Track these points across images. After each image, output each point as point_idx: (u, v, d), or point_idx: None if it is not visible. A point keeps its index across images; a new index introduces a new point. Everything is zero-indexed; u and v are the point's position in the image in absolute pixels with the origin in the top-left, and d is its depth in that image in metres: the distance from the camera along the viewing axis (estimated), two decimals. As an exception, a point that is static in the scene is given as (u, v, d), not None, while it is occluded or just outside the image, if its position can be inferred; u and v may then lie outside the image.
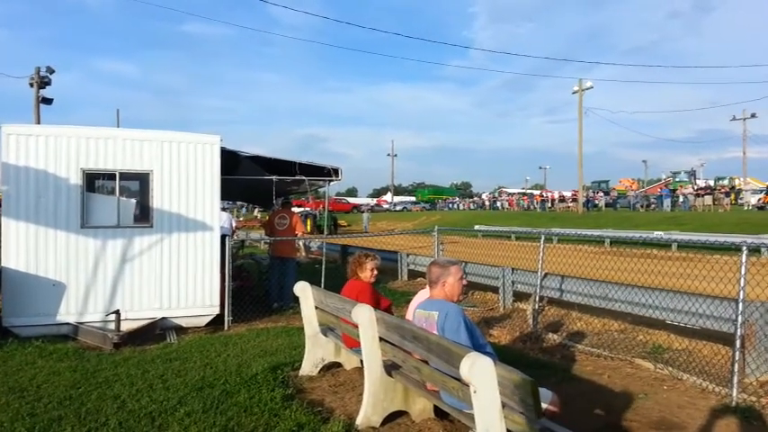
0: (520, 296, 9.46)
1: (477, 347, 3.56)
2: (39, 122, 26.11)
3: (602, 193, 51.78)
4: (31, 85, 29.54)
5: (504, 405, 3.01)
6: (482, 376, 2.93)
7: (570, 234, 12.10)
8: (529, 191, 74.98)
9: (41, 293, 7.55)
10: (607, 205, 47.45)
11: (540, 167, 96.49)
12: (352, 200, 77.25)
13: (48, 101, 30.06)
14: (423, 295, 4.91)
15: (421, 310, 4.08)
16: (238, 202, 37.14)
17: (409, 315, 4.77)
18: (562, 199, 54.65)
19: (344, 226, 44.63)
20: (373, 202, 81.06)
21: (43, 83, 29.77)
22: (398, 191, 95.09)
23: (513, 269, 9.42)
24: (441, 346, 3.42)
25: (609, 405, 4.97)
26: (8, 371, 5.87)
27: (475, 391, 2.96)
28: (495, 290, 9.94)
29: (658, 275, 8.22)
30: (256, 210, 42.87)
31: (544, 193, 60.93)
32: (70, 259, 7.71)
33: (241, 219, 40.84)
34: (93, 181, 8.07)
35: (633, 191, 55.24)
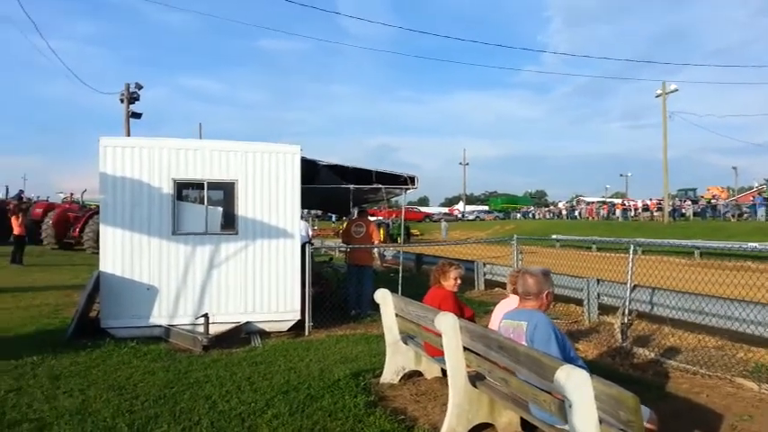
0: (605, 309, 9.10)
1: (568, 360, 3.44)
2: (128, 136, 27.69)
3: (689, 202, 49.11)
4: (122, 100, 31.45)
5: (600, 420, 2.90)
6: (578, 389, 2.83)
7: (661, 244, 11.52)
8: (609, 199, 72.15)
9: (136, 297, 7.97)
10: (695, 214, 44.93)
11: (622, 175, 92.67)
12: (423, 209, 77.09)
13: (137, 115, 31.91)
14: (506, 305, 4.83)
15: (508, 320, 4.00)
16: (312, 212, 37.88)
17: (493, 325, 4.70)
18: (646, 208, 52.25)
19: (417, 235, 44.63)
20: (445, 211, 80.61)
21: (132, 98, 31.64)
22: (470, 200, 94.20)
23: (598, 280, 9.07)
24: (530, 357, 3.33)
25: (709, 426, 4.68)
26: (107, 369, 6.23)
27: (570, 406, 2.86)
28: (578, 302, 9.61)
29: (757, 289, 7.68)
30: (334, 218, 43.61)
31: (626, 202, 58.48)
32: (162, 265, 8.11)
33: (316, 227, 41.59)
34: (183, 190, 8.47)
35: (723, 199, 52.05)
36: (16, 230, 18.05)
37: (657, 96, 39.55)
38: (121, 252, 7.99)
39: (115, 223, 8.00)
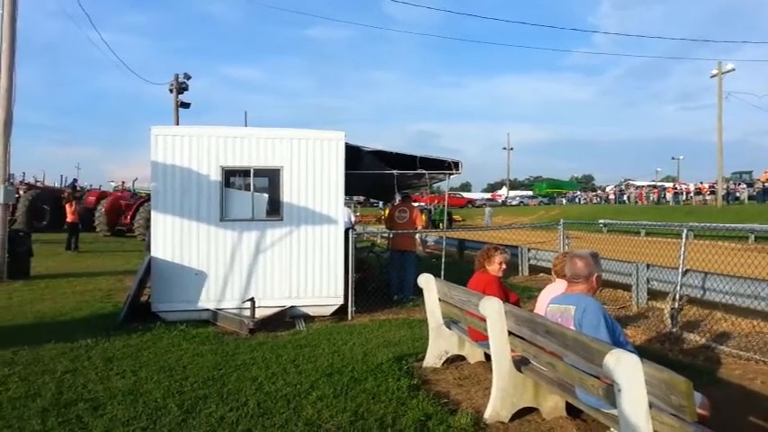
0: (654, 294, 8.85)
1: (618, 345, 3.35)
2: (177, 125, 28.34)
3: (744, 185, 47.16)
4: (171, 90, 32.18)
5: (650, 405, 2.82)
6: (628, 374, 2.76)
7: (714, 228, 11.10)
8: (660, 183, 69.92)
9: (185, 282, 8.19)
10: (750, 198, 43.14)
11: (673, 158, 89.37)
12: (466, 194, 76.46)
13: (186, 105, 32.61)
14: (552, 290, 4.74)
15: (555, 304, 3.93)
16: (355, 198, 38.03)
17: (539, 310, 4.63)
18: (698, 191, 50.47)
19: (459, 221, 44.36)
20: (488, 196, 79.79)
21: (181, 88, 32.33)
22: (514, 185, 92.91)
23: (648, 265, 8.83)
24: (579, 341, 3.27)
25: (765, 413, 4.51)
26: (158, 351, 6.42)
27: (619, 390, 2.79)
28: (626, 287, 9.38)
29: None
30: (381, 204, 43.74)
31: (677, 186, 56.59)
32: (210, 250, 8.30)
33: (358, 214, 41.83)
34: (230, 177, 8.62)
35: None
36: (69, 218, 18.73)
37: (713, 77, 38.05)
38: (171, 238, 8.20)
39: (166, 210, 8.21)
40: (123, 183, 31.64)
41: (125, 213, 25.19)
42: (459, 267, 12.75)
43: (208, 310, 8.20)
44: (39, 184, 30.36)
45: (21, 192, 23.91)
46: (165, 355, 6.23)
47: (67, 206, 18.96)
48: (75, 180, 37.01)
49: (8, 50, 11.64)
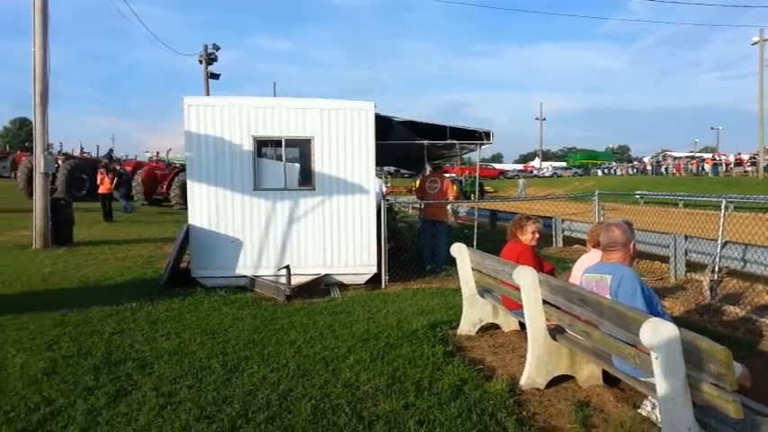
0: (692, 266, 8.73)
1: (654, 315, 3.35)
2: (208, 96, 28.57)
3: (787, 156, 45.53)
4: (200, 61, 32.34)
5: (687, 375, 2.84)
6: (665, 342, 2.77)
7: (755, 200, 10.78)
8: (698, 154, 68.00)
9: (222, 249, 8.39)
10: (793, 169, 41.68)
11: (712, 128, 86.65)
12: (497, 165, 75.63)
13: (215, 76, 32.78)
14: (587, 259, 4.73)
15: (591, 273, 3.93)
16: (385, 169, 37.97)
17: (574, 280, 4.63)
18: (738, 162, 49.02)
19: (491, 192, 43.97)
20: (520, 167, 78.76)
21: (210, 59, 32.46)
22: (547, 156, 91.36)
23: (686, 236, 8.68)
24: (614, 310, 3.28)
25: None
26: (199, 315, 6.65)
27: (656, 358, 2.81)
28: (663, 259, 9.26)
29: None
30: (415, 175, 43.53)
31: (717, 157, 55.00)
32: (245, 219, 8.46)
33: (389, 185, 41.79)
34: (262, 147, 8.72)
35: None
36: (103, 188, 18.78)
37: (754, 44, 36.61)
38: (207, 206, 8.38)
39: (201, 179, 8.38)
40: (158, 153, 32.24)
41: (161, 183, 25.68)
42: (491, 238, 12.75)
43: (245, 276, 8.41)
44: (86, 154, 31.04)
45: (60, 162, 24.53)
46: (206, 319, 6.45)
47: (100, 176, 19.00)
48: (110, 150, 37.72)
49: (41, 24, 11.85)
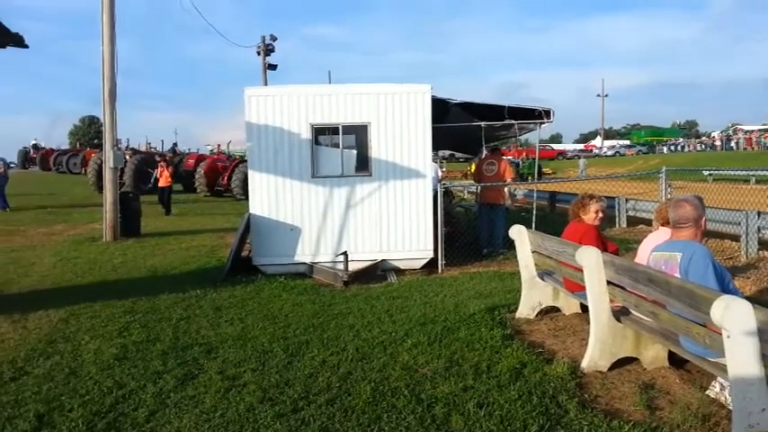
0: (765, 245, 8.28)
1: (727, 293, 3.19)
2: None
3: None
4: (258, 53, 32.89)
5: (763, 354, 2.69)
6: (738, 320, 2.64)
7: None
8: (773, 127, 64.12)
9: (282, 237, 8.56)
10: None
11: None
12: (556, 146, 73.69)
13: (273, 67, 33.26)
14: (655, 238, 4.55)
15: (659, 252, 3.78)
16: (440, 153, 37.65)
17: (641, 260, 4.46)
18: (817, 134, 45.94)
19: (549, 174, 43.02)
20: (580, 147, 76.49)
21: (268, 50, 32.94)
22: (609, 134, 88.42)
23: (759, 213, 8.24)
24: (684, 289, 3.14)
25: None
26: (261, 301, 6.82)
27: (728, 337, 2.68)
28: (733, 237, 8.83)
29: None
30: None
31: (793, 129, 51.74)
32: (303, 206, 8.59)
33: (444, 169, 41.47)
34: (319, 135, 8.81)
35: None
36: (163, 182, 18.94)
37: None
38: (267, 195, 8.56)
39: (261, 168, 8.55)
40: (219, 145, 33.07)
41: (222, 175, 26.38)
42: (550, 220, 12.49)
43: (304, 263, 8.56)
44: (152, 149, 32.17)
45: (127, 157, 25.58)
46: (267, 305, 6.61)
47: (159, 170, 19.28)
48: (174, 144, 39.13)
49: (109, 23, 12.30)
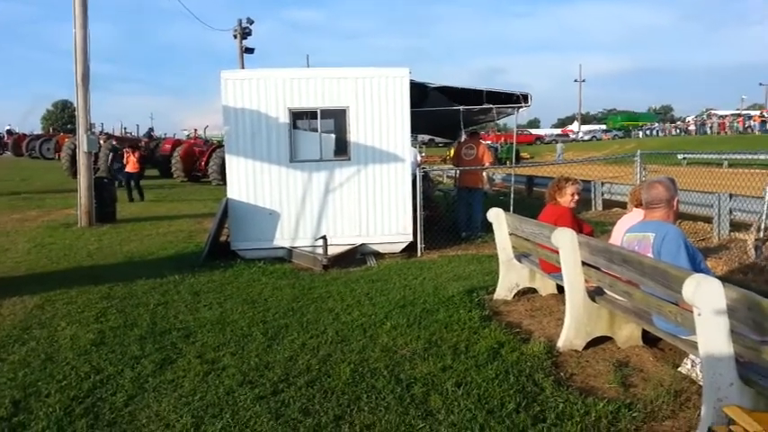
0: (737, 226, 8.47)
1: (698, 273, 3.27)
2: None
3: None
4: (235, 36, 32.40)
5: (732, 330, 2.77)
6: (709, 298, 2.71)
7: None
8: (745, 112, 65.17)
9: (260, 221, 8.51)
10: None
11: (761, 84, 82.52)
12: (534, 131, 74.09)
13: (250, 50, 32.83)
14: (629, 219, 4.64)
15: (632, 233, 3.85)
16: (419, 138, 37.66)
17: (615, 240, 4.54)
18: (788, 119, 46.88)
19: (527, 158, 43.33)
20: (557, 132, 77.02)
21: (245, 33, 32.48)
22: (586, 119, 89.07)
23: (731, 195, 8.41)
24: (657, 268, 3.21)
25: None
26: (240, 286, 6.79)
27: (699, 314, 2.75)
28: (706, 219, 9.01)
29: None
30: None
31: (765, 113, 52.68)
32: (282, 191, 8.55)
33: (423, 154, 41.47)
34: (297, 119, 8.74)
35: None
36: (130, 167, 18.14)
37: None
38: (245, 180, 8.49)
39: (238, 153, 8.47)
40: (196, 130, 32.62)
41: (199, 160, 26.06)
42: (527, 204, 12.57)
43: (283, 248, 8.53)
44: (127, 134, 31.63)
45: (101, 141, 25.08)
46: (246, 289, 6.59)
47: (126, 155, 18.48)
48: (150, 129, 38.55)
49: (81, 4, 12.01)
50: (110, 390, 3.82)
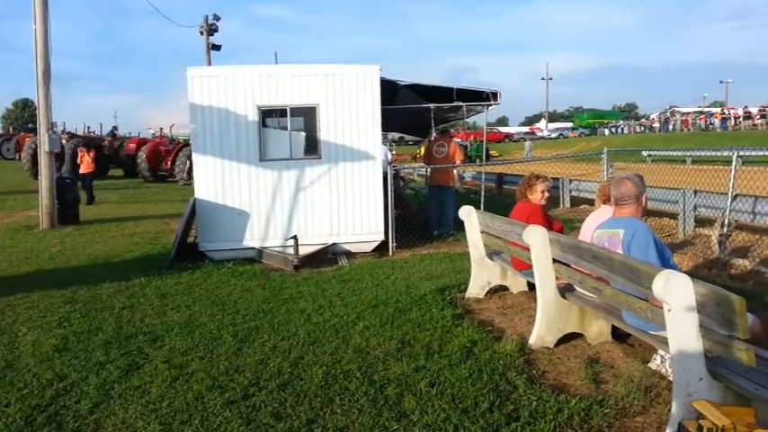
0: (701, 222, 8.66)
1: (667, 268, 3.31)
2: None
3: (798, 108, 44.84)
4: (201, 33, 31.81)
5: (700, 325, 2.81)
6: (678, 294, 2.74)
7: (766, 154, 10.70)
8: (707, 109, 66.81)
9: (229, 221, 8.37)
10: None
11: (722, 82, 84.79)
12: (503, 129, 74.82)
13: (217, 47, 32.25)
14: (597, 216, 4.68)
15: (602, 229, 3.88)
16: (390, 136, 37.65)
17: (584, 237, 4.58)
18: (748, 116, 48.24)
19: (496, 156, 43.71)
20: (525, 130, 77.90)
21: (211, 30, 31.87)
22: (553, 117, 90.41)
23: (695, 191, 8.59)
24: (626, 265, 3.24)
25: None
26: (209, 288, 6.67)
27: (669, 310, 2.77)
28: (672, 215, 9.19)
29: None
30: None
31: (726, 111, 54.09)
32: (252, 190, 8.42)
33: (394, 152, 41.47)
34: (267, 117, 8.62)
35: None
36: (84, 168, 17.17)
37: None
38: (213, 179, 8.33)
39: (206, 151, 8.31)
40: (161, 129, 32.03)
41: (165, 159, 25.61)
42: (498, 201, 12.69)
43: (253, 248, 8.41)
44: (90, 133, 30.87)
45: (64, 141, 24.38)
46: (215, 291, 6.47)
47: (80, 154, 17.65)
48: (114, 128, 37.64)
49: (41, 1, 11.66)
50: (74, 397, 3.69)
